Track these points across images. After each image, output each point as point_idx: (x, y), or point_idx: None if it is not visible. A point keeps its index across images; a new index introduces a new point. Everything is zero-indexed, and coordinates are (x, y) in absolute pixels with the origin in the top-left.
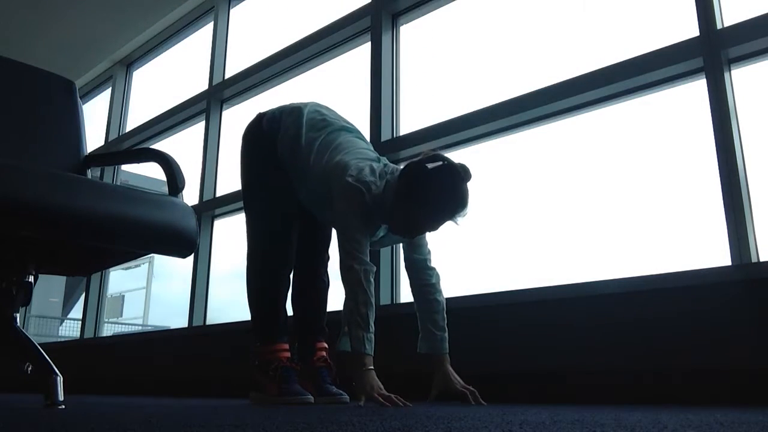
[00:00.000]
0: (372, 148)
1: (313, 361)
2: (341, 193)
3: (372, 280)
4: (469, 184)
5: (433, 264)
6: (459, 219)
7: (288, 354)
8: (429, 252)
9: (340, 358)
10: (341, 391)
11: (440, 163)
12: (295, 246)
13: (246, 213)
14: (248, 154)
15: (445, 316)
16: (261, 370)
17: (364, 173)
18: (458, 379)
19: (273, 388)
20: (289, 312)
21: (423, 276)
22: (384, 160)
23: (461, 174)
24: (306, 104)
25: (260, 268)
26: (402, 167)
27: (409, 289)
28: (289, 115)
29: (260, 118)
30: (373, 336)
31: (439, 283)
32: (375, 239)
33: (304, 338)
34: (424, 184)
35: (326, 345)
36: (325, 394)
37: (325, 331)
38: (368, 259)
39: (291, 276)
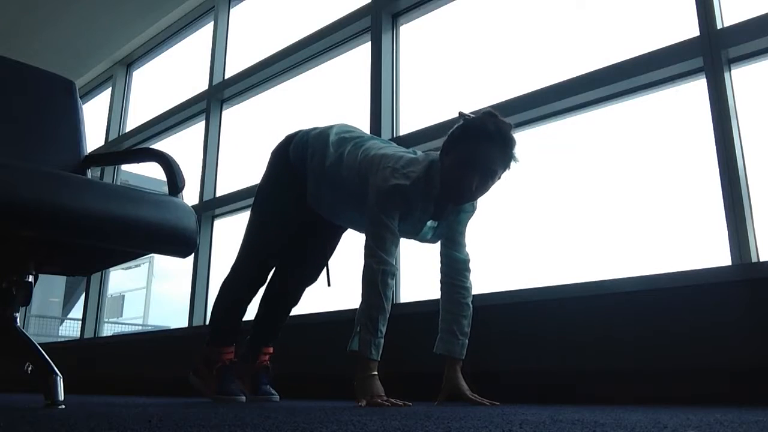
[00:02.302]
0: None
1: (256, 363)
2: (378, 188)
3: (390, 282)
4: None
5: (471, 268)
6: (512, 164)
7: (232, 356)
8: (468, 255)
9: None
10: (274, 392)
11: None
12: (269, 273)
13: (249, 226)
14: (268, 174)
15: (470, 322)
16: (206, 365)
17: (401, 162)
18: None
19: (213, 384)
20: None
21: (460, 277)
22: (420, 153)
23: (502, 119)
24: (332, 127)
25: (234, 284)
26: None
27: (410, 289)
28: (316, 139)
29: (288, 142)
30: (382, 341)
31: (471, 288)
32: (420, 236)
33: (257, 341)
34: (468, 130)
35: (271, 350)
36: (260, 393)
37: (276, 338)
38: (392, 260)
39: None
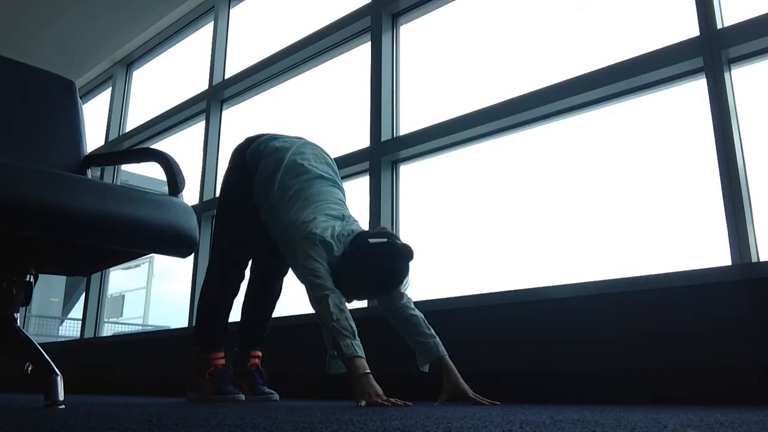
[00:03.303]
0: (343, 200)
1: (247, 366)
2: (302, 245)
3: (342, 301)
4: (412, 263)
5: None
6: (402, 288)
7: (223, 361)
8: (405, 296)
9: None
10: (272, 391)
11: (384, 240)
12: (244, 270)
13: (215, 227)
14: (228, 175)
15: (429, 325)
16: (198, 373)
17: (326, 234)
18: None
19: (209, 388)
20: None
21: (395, 303)
22: (350, 219)
23: (402, 253)
24: (290, 147)
25: (211, 288)
26: (353, 236)
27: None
28: (272, 155)
29: (247, 145)
30: (358, 341)
31: (410, 302)
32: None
33: (245, 345)
34: (364, 257)
35: (260, 354)
36: (258, 393)
37: (264, 341)
38: (333, 287)
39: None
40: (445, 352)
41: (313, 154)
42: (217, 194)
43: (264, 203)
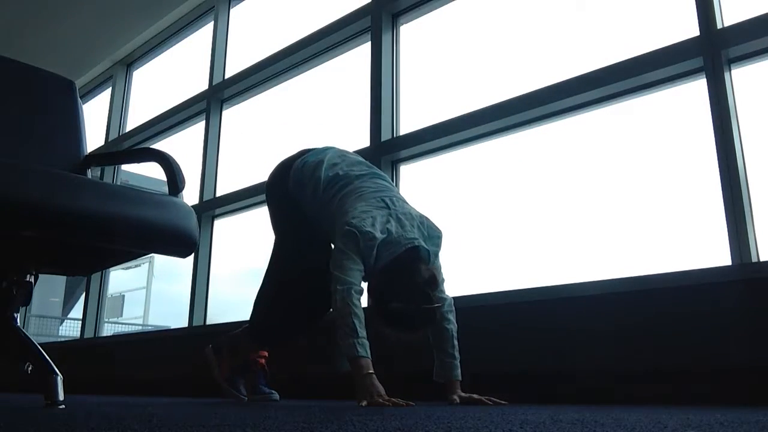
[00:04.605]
0: (386, 185)
1: (252, 362)
2: (340, 236)
3: (355, 294)
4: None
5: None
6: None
7: (263, 361)
8: (447, 295)
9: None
10: (273, 391)
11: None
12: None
13: (276, 245)
14: (274, 208)
15: (456, 343)
16: (231, 352)
17: (365, 223)
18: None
19: (227, 371)
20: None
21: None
22: (398, 201)
23: (423, 319)
24: (324, 158)
25: (295, 289)
26: (395, 257)
27: None
28: (311, 172)
29: (286, 171)
30: (365, 341)
31: (450, 309)
32: None
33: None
34: (391, 315)
35: (267, 354)
36: (258, 393)
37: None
38: (356, 282)
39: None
40: (459, 377)
41: (343, 157)
42: (217, 194)
43: (314, 211)
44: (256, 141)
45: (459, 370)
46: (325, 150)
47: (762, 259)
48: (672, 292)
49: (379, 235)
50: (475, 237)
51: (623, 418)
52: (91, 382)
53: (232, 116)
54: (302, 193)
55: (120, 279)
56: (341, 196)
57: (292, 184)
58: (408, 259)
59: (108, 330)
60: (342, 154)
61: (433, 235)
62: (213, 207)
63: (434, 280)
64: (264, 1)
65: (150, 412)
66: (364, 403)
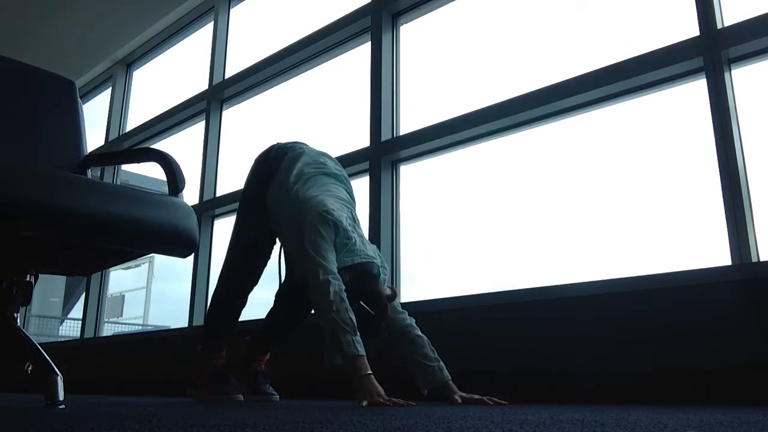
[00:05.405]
0: (351, 201)
1: (252, 366)
2: (314, 220)
3: (342, 290)
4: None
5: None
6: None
7: (223, 361)
8: (406, 315)
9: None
10: (273, 391)
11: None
12: (262, 269)
13: (234, 224)
14: (252, 175)
15: (434, 348)
16: (198, 372)
17: (341, 215)
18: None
19: (208, 388)
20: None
21: (398, 321)
22: (358, 228)
23: (376, 328)
24: (303, 154)
25: (226, 281)
26: (362, 263)
27: (416, 290)
28: (291, 151)
29: (270, 148)
30: (360, 339)
31: (414, 323)
32: None
33: (256, 349)
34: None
35: (267, 357)
36: (258, 393)
37: (275, 348)
38: (336, 272)
39: (249, 293)
40: (450, 377)
41: (324, 156)
42: (217, 194)
43: (279, 194)
44: (257, 141)
45: (446, 371)
46: (301, 153)
47: (762, 259)
48: (672, 292)
49: (351, 236)
50: (475, 237)
51: (623, 418)
52: (91, 382)
53: (232, 116)
54: (280, 162)
55: (120, 279)
56: (310, 185)
57: (274, 152)
58: (369, 272)
59: (108, 330)
60: (323, 153)
61: (384, 266)
62: (213, 207)
63: (393, 297)
64: (264, 1)
65: (150, 412)
66: (365, 403)
